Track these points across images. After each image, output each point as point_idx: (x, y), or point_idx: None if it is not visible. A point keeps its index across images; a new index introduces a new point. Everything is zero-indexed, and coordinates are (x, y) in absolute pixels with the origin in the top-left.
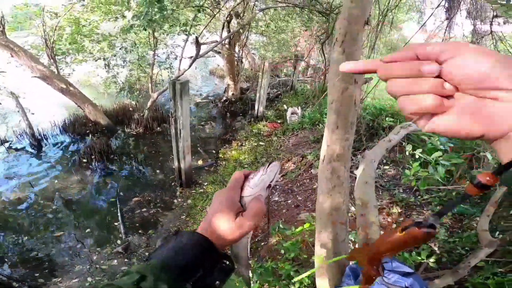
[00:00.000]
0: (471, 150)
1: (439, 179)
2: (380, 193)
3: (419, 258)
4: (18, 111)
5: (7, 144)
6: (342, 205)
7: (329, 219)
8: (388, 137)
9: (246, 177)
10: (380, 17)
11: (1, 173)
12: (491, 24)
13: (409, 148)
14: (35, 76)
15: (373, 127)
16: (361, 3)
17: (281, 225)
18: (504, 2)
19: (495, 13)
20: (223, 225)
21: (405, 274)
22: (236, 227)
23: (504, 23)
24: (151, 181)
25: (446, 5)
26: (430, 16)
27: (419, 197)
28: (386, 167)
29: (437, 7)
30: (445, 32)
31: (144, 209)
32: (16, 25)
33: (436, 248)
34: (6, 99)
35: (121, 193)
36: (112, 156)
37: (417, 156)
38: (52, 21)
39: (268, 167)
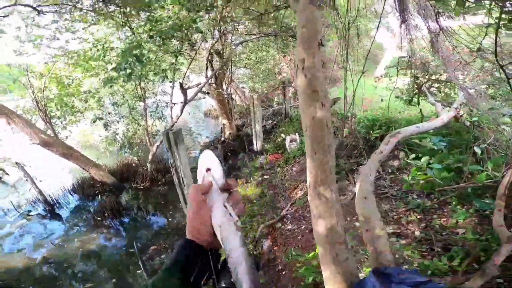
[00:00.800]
0: (469, 142)
1: (438, 180)
2: (394, 203)
3: (440, 264)
4: (27, 180)
5: (21, 211)
6: (336, 226)
7: (326, 241)
8: (379, 148)
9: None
10: (344, 31)
11: (22, 237)
12: (437, 21)
13: (402, 155)
14: (35, 143)
15: (369, 139)
16: (312, 26)
17: (293, 252)
18: None
19: (436, 10)
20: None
21: (416, 285)
22: (190, 216)
23: (448, 18)
24: (165, 229)
25: (398, 8)
26: (379, 25)
27: (435, 199)
28: (392, 175)
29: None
30: (405, 35)
31: (163, 256)
32: (3, 88)
33: (468, 249)
34: (12, 169)
35: (139, 244)
36: (124, 211)
37: (410, 161)
38: (38, 81)
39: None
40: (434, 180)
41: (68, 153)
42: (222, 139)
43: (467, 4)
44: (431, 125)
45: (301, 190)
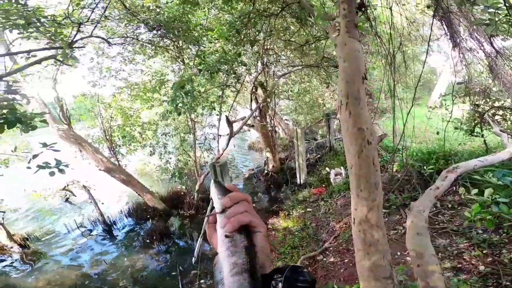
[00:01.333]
0: None
1: (506, 216)
2: (454, 238)
3: None
4: (91, 202)
5: (83, 229)
6: (382, 261)
7: (370, 275)
8: (435, 184)
9: None
10: (389, 59)
11: (81, 254)
12: (492, 44)
13: (462, 191)
14: (101, 170)
15: (424, 174)
16: (354, 59)
17: (335, 286)
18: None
19: (489, 33)
20: None
21: None
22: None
23: (504, 40)
24: (207, 256)
25: (447, 31)
26: (428, 48)
27: (504, 234)
28: (453, 211)
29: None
30: (459, 59)
31: (202, 281)
32: (79, 117)
33: None
34: (79, 191)
35: (181, 267)
36: (171, 236)
37: (473, 197)
38: (106, 112)
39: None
40: (501, 215)
41: (128, 179)
42: (265, 171)
43: None
44: (496, 158)
45: (345, 224)
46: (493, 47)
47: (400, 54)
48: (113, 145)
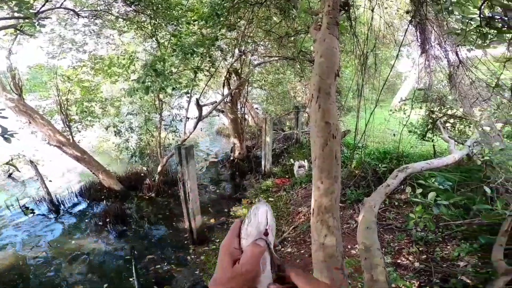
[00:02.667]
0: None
1: (445, 217)
2: (396, 234)
3: None
4: (37, 179)
5: (24, 208)
6: (335, 252)
7: (324, 265)
8: (386, 182)
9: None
10: (362, 59)
11: (22, 236)
12: (457, 54)
13: (408, 190)
14: (52, 144)
15: (378, 172)
16: (330, 56)
17: None
18: (459, 30)
19: (457, 42)
20: (220, 273)
21: None
22: (231, 275)
23: (468, 51)
24: (164, 240)
25: (419, 37)
26: (398, 53)
27: (439, 233)
28: (398, 209)
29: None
30: (424, 65)
31: (158, 266)
32: (32, 88)
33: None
34: (25, 166)
35: (136, 252)
36: (126, 219)
37: (417, 199)
38: (64, 84)
39: (251, 212)
40: (440, 217)
41: (81, 156)
42: (231, 158)
43: (489, 37)
44: (441, 162)
45: (304, 216)
46: (457, 57)
47: (372, 56)
48: (68, 119)
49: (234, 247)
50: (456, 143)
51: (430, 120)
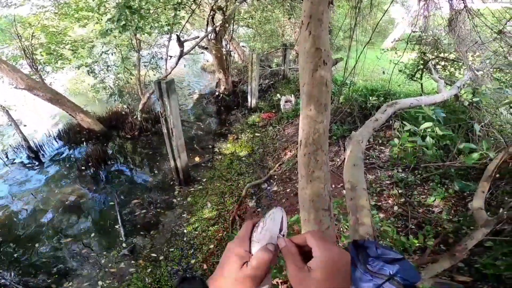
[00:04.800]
0: (463, 121)
1: (429, 153)
2: (379, 174)
3: (416, 241)
4: (11, 124)
5: (4, 158)
6: (323, 191)
7: (311, 205)
8: (374, 116)
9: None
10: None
11: (2, 187)
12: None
13: (396, 125)
14: (21, 88)
15: (366, 108)
16: None
17: None
18: None
19: None
20: (226, 273)
21: (391, 261)
22: (238, 277)
23: None
24: (150, 182)
25: None
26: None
27: (418, 175)
28: (382, 147)
29: None
30: (421, 9)
31: (144, 211)
32: None
33: (439, 228)
34: None
35: (121, 196)
36: (109, 161)
37: (406, 128)
38: (27, 30)
39: (268, 217)
40: (420, 158)
41: (55, 98)
42: (217, 93)
43: None
44: (430, 99)
45: (290, 152)
46: (464, 2)
47: None
48: (35, 62)
49: (245, 249)
50: (446, 84)
51: (421, 61)
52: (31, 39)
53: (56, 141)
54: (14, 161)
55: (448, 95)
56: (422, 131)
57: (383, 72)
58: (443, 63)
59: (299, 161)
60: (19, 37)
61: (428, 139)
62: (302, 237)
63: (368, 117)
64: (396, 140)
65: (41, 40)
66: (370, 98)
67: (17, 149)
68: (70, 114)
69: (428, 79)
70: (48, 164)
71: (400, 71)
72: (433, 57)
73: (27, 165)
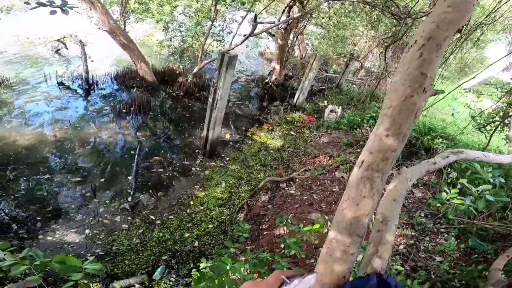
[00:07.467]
0: None
1: (462, 208)
2: (400, 213)
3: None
4: (81, 57)
5: (61, 82)
6: (365, 218)
7: (346, 227)
8: (433, 159)
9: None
10: (468, 30)
11: (48, 109)
12: None
13: (453, 175)
14: (105, 30)
15: (415, 145)
16: (460, 8)
17: (289, 220)
18: None
19: None
20: None
21: None
22: None
23: None
24: (177, 144)
25: None
26: None
27: (438, 224)
28: (414, 189)
29: None
30: None
31: (161, 170)
32: None
33: (433, 276)
34: (74, 46)
35: (146, 149)
36: (149, 112)
37: (459, 186)
38: None
39: (304, 279)
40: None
41: (127, 44)
42: (266, 81)
43: None
44: (498, 159)
45: (320, 161)
46: None
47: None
48: (125, 10)
49: None
50: None
51: (501, 113)
52: None
53: (111, 81)
54: (67, 85)
55: None
56: (478, 192)
57: (452, 114)
58: None
59: (353, 181)
60: None
61: (481, 201)
62: None
63: (414, 155)
64: (443, 194)
65: None
66: (422, 137)
67: (76, 78)
68: (133, 61)
69: (498, 134)
70: (96, 99)
71: (472, 117)
72: None
73: (77, 93)
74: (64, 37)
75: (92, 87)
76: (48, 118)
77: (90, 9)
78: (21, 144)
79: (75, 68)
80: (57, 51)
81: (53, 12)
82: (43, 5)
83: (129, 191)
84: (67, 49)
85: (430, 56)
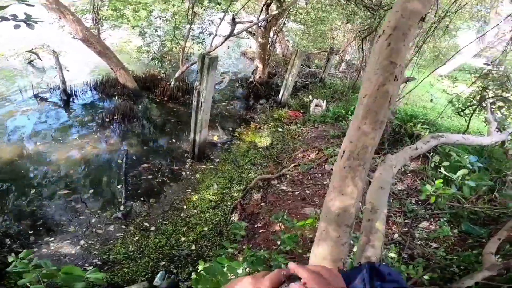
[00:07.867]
0: (497, 173)
1: (449, 192)
2: (391, 201)
3: (414, 272)
4: (56, 68)
5: (37, 93)
6: (351, 207)
7: (335, 218)
8: (415, 144)
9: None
10: (436, 19)
11: (27, 122)
12: None
13: (436, 159)
14: (78, 38)
15: (399, 132)
16: None
17: (285, 216)
18: None
19: None
20: None
21: None
22: None
23: None
24: (165, 149)
25: None
26: (494, 27)
27: (429, 210)
28: (403, 176)
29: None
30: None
31: (151, 177)
32: None
33: (432, 263)
34: (47, 56)
35: (133, 157)
36: (133, 119)
37: (442, 170)
38: None
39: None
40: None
41: (104, 51)
42: (251, 80)
43: None
44: (478, 140)
45: (308, 156)
46: None
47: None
48: (98, 18)
49: None
50: (497, 129)
51: (477, 97)
52: None
53: (91, 90)
54: (47, 100)
55: (497, 140)
56: (459, 178)
57: (431, 100)
58: (501, 103)
59: (336, 171)
60: None
61: (465, 188)
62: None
63: (398, 142)
64: (428, 187)
65: None
66: (405, 124)
67: (53, 89)
68: (111, 68)
69: (477, 117)
70: (77, 109)
71: (450, 102)
72: (494, 95)
73: (56, 105)
74: (35, 48)
75: (71, 98)
76: (28, 132)
77: (61, 18)
78: (3, 160)
79: (51, 79)
80: (30, 62)
81: (17, 26)
82: (5, 19)
83: (120, 200)
84: (40, 59)
85: (397, 46)
